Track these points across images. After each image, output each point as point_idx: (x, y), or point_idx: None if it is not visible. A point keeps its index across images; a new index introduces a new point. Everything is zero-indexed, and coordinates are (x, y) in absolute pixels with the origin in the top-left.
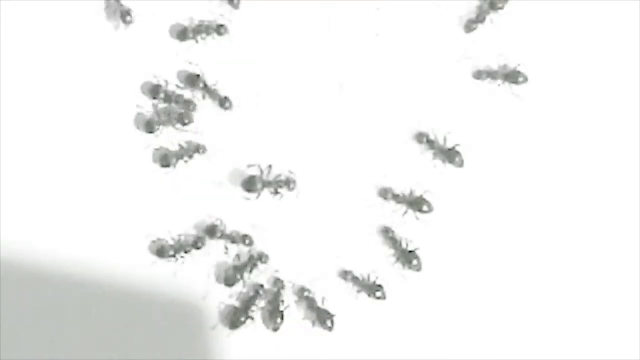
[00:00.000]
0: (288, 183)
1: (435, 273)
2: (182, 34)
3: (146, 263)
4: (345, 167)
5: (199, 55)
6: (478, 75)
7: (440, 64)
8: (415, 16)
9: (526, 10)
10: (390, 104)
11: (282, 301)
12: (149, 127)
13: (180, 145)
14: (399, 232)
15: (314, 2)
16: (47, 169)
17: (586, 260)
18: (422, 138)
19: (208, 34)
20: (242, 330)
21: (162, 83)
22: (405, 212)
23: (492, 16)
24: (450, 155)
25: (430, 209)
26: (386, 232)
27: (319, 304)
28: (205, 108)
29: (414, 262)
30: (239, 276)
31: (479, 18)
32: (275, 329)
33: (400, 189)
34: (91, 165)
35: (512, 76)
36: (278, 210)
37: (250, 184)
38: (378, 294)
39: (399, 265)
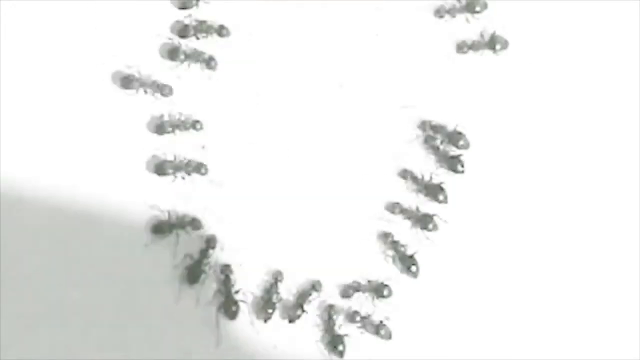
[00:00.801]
0: (199, 168)
1: (434, 279)
2: (183, 32)
3: (146, 262)
4: (346, 166)
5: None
6: (460, 48)
7: (441, 64)
8: (415, 16)
9: (526, 8)
10: (390, 104)
11: (277, 293)
12: (160, 129)
13: (180, 160)
14: (400, 238)
15: (314, 2)
16: (45, 169)
17: (585, 262)
18: (424, 126)
19: (209, 33)
20: (236, 340)
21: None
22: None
23: (467, 15)
24: (453, 137)
25: (436, 227)
26: (386, 236)
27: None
28: (205, 108)
29: (412, 268)
30: (200, 272)
31: (450, 11)
32: (267, 320)
33: (407, 201)
34: (91, 165)
35: (491, 43)
36: (279, 210)
37: (161, 169)
38: (385, 292)
39: (397, 269)
